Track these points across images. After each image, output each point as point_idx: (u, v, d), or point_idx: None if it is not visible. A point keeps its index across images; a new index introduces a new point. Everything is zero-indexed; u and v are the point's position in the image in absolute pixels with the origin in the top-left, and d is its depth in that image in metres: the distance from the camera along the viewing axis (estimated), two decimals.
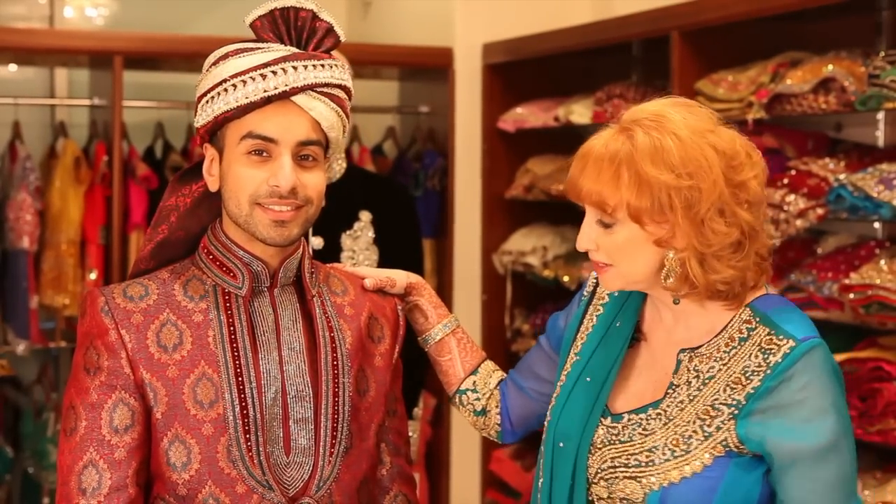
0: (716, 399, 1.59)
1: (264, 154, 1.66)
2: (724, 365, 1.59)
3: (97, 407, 1.66)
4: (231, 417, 1.66)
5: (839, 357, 2.87)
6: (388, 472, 1.83)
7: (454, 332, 1.95)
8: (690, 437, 1.59)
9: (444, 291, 4.39)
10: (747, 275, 1.61)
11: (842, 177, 2.95)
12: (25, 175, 3.97)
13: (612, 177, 1.57)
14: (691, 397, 1.61)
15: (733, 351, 1.60)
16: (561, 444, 1.70)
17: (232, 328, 1.70)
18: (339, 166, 2.98)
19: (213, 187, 1.74)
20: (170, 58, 4.11)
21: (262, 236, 1.68)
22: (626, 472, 1.62)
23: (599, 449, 1.66)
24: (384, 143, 4.63)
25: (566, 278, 4.10)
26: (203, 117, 1.71)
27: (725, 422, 1.57)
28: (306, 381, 1.72)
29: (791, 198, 3.03)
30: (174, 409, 1.66)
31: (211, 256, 1.74)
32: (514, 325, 4.41)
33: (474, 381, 1.93)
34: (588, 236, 1.64)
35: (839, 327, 3.08)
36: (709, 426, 1.58)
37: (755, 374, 1.56)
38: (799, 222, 3.01)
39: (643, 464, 1.61)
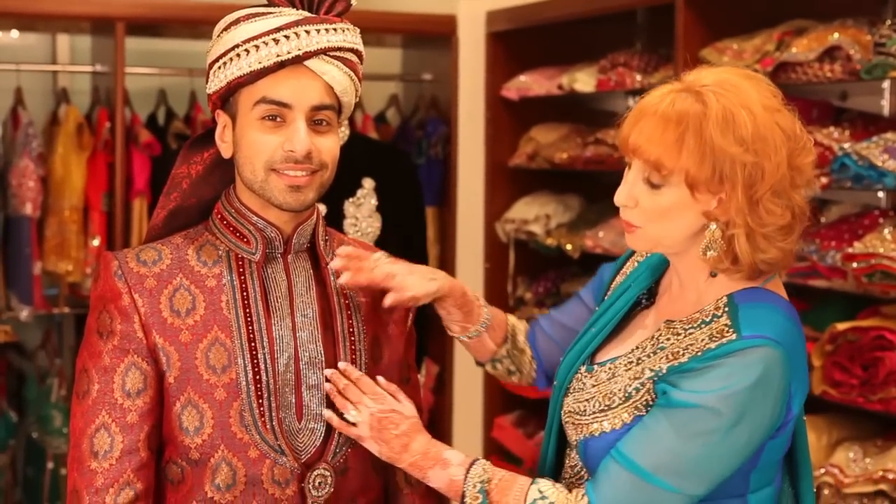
0: (650, 365, 1.61)
1: (278, 119, 1.66)
2: (678, 340, 1.60)
3: (110, 371, 1.66)
4: (243, 382, 1.67)
5: (842, 326, 2.89)
6: None
7: (487, 329, 1.90)
8: (614, 395, 1.63)
9: (447, 260, 4.40)
10: (790, 258, 1.60)
11: (846, 146, 2.95)
12: (28, 141, 3.96)
13: (675, 140, 1.53)
14: (638, 360, 1.64)
15: (691, 331, 1.60)
16: (555, 384, 1.77)
17: (245, 294, 1.70)
18: (342, 133, 2.98)
19: (226, 154, 1.73)
20: (172, 24, 4.08)
21: (278, 202, 1.68)
22: (573, 417, 1.68)
23: (570, 394, 1.71)
24: (387, 111, 4.62)
25: (569, 247, 4.11)
26: (215, 83, 1.70)
27: (645, 384, 1.60)
28: (319, 347, 1.73)
29: None
30: (187, 374, 1.67)
31: (224, 222, 1.74)
32: (517, 293, 4.42)
33: (506, 350, 1.92)
34: (629, 193, 1.60)
35: (842, 296, 3.10)
36: (630, 387, 1.61)
37: (689, 352, 1.57)
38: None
39: (580, 412, 1.66)
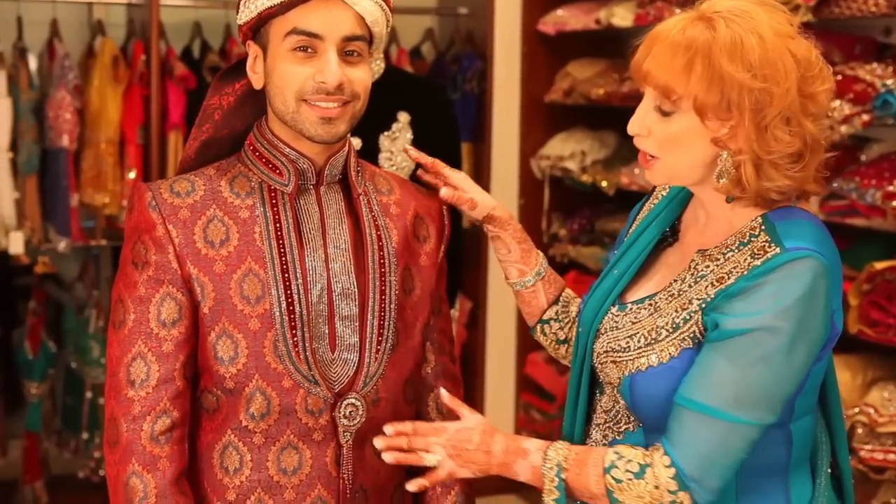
0: (696, 294, 1.60)
1: (309, 50, 1.65)
2: (717, 266, 1.60)
3: (145, 301, 1.68)
4: (277, 313, 1.68)
5: (880, 265, 2.86)
6: (432, 371, 1.85)
7: (542, 278, 1.90)
8: (662, 327, 1.62)
9: None
10: (807, 185, 1.59)
11: (889, 82, 2.90)
12: (64, 73, 3.97)
13: (684, 65, 1.53)
14: (681, 292, 1.63)
15: (730, 254, 1.59)
16: (580, 329, 1.75)
17: (278, 225, 1.71)
18: (377, 67, 2.97)
19: (257, 85, 1.73)
20: None
21: (310, 133, 1.68)
22: (612, 356, 1.66)
23: (602, 335, 1.70)
24: (422, 46, 4.59)
25: (604, 183, 4.08)
26: (246, 14, 1.69)
27: (693, 314, 1.59)
28: (352, 278, 1.74)
29: (836, 103, 2.98)
30: (221, 304, 1.68)
31: (257, 153, 1.74)
32: (552, 229, 4.41)
33: (556, 311, 1.90)
34: (642, 121, 1.61)
35: (881, 235, 3.07)
36: (678, 318, 1.60)
37: (734, 274, 1.56)
38: (843, 128, 2.97)
39: (623, 349, 1.65)
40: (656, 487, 1.54)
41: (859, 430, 2.87)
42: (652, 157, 1.61)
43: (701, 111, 1.54)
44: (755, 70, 1.52)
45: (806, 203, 1.66)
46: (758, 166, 1.55)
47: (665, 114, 1.58)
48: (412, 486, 1.70)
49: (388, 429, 1.68)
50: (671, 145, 1.58)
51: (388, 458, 1.67)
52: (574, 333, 1.85)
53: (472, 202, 1.88)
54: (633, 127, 1.62)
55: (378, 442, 1.68)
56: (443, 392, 1.74)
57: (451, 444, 1.66)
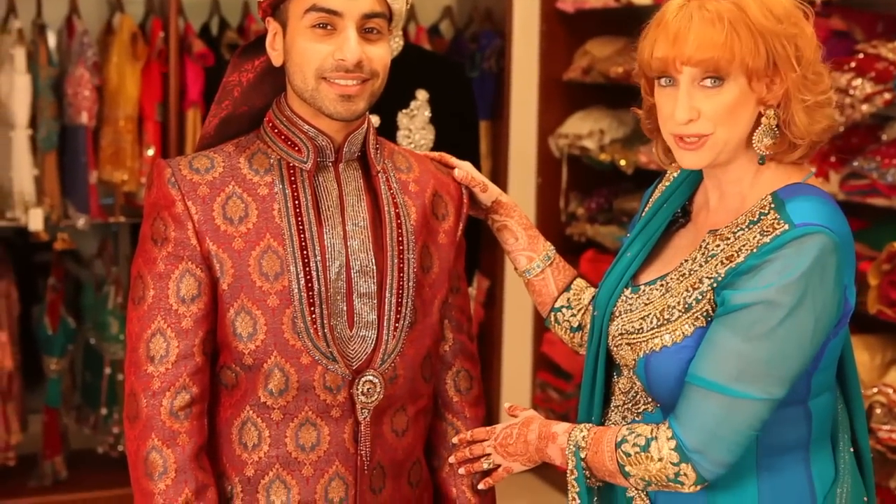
0: (706, 274, 1.60)
1: (329, 27, 1.65)
2: (728, 245, 1.60)
3: (164, 277, 1.69)
4: (296, 290, 1.68)
5: None
6: (450, 349, 1.86)
7: (551, 264, 1.91)
8: (673, 307, 1.62)
9: (500, 174, 4.38)
10: (834, 125, 1.63)
11: None
12: (83, 50, 3.97)
13: (726, 37, 1.54)
14: (691, 272, 1.63)
15: (740, 232, 1.59)
16: (595, 313, 1.76)
17: (297, 202, 1.71)
18: (396, 44, 2.96)
19: (276, 62, 1.73)
20: None
21: (329, 111, 1.68)
22: (627, 338, 1.67)
23: (617, 318, 1.71)
24: (441, 23, 4.57)
25: (623, 162, 4.07)
26: None
27: (705, 293, 1.59)
28: (370, 256, 1.74)
29: (858, 82, 2.96)
30: (240, 281, 1.68)
31: (276, 130, 1.75)
32: (569, 208, 4.40)
33: (568, 299, 1.90)
34: (689, 105, 1.58)
35: None
36: (690, 298, 1.61)
37: (744, 252, 1.57)
38: (865, 107, 2.95)
39: (636, 331, 1.66)
40: (660, 460, 1.57)
41: (878, 411, 2.87)
42: (703, 135, 1.59)
43: (751, 74, 1.56)
44: (784, 19, 1.56)
45: (824, 181, 1.66)
46: (809, 110, 1.59)
47: (714, 87, 1.57)
48: (483, 485, 1.83)
49: (455, 440, 1.84)
50: (726, 116, 1.58)
51: (461, 470, 1.83)
52: (587, 320, 1.86)
53: (483, 185, 1.90)
54: (682, 114, 1.58)
55: (452, 459, 1.84)
56: (507, 404, 1.85)
57: (497, 442, 1.77)
